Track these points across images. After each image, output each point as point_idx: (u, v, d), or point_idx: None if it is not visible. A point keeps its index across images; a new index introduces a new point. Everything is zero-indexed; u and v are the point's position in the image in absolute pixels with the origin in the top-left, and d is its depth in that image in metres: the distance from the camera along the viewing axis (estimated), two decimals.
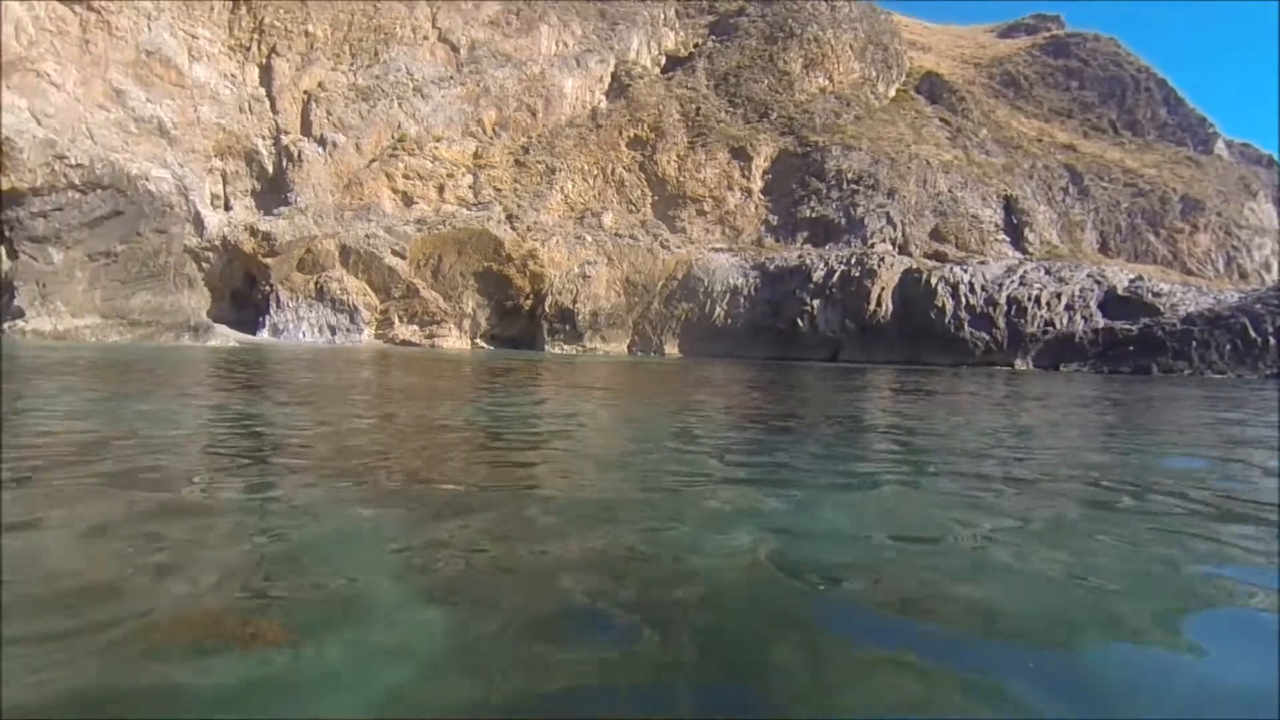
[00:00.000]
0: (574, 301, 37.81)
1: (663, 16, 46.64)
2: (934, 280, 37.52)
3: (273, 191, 32.78)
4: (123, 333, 27.05)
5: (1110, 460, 6.65)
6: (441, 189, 37.00)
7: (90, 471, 4.58)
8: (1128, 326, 36.01)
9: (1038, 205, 45.24)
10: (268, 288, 32.22)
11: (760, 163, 43.17)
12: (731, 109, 44.69)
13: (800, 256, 39.58)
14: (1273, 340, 33.27)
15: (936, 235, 41.86)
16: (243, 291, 32.88)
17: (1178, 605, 2.89)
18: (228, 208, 32.14)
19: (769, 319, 38.15)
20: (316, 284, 33.34)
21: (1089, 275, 38.81)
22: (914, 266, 38.55)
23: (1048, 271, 39.02)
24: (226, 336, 29.57)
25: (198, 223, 30.38)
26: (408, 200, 36.01)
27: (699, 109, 43.56)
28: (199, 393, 10.31)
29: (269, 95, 32.62)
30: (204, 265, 30.69)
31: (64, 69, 27.23)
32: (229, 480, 4.46)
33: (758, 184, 42.85)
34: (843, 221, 41.58)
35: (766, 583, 3.01)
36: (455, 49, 37.63)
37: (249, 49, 32.01)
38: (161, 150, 29.15)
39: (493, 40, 38.60)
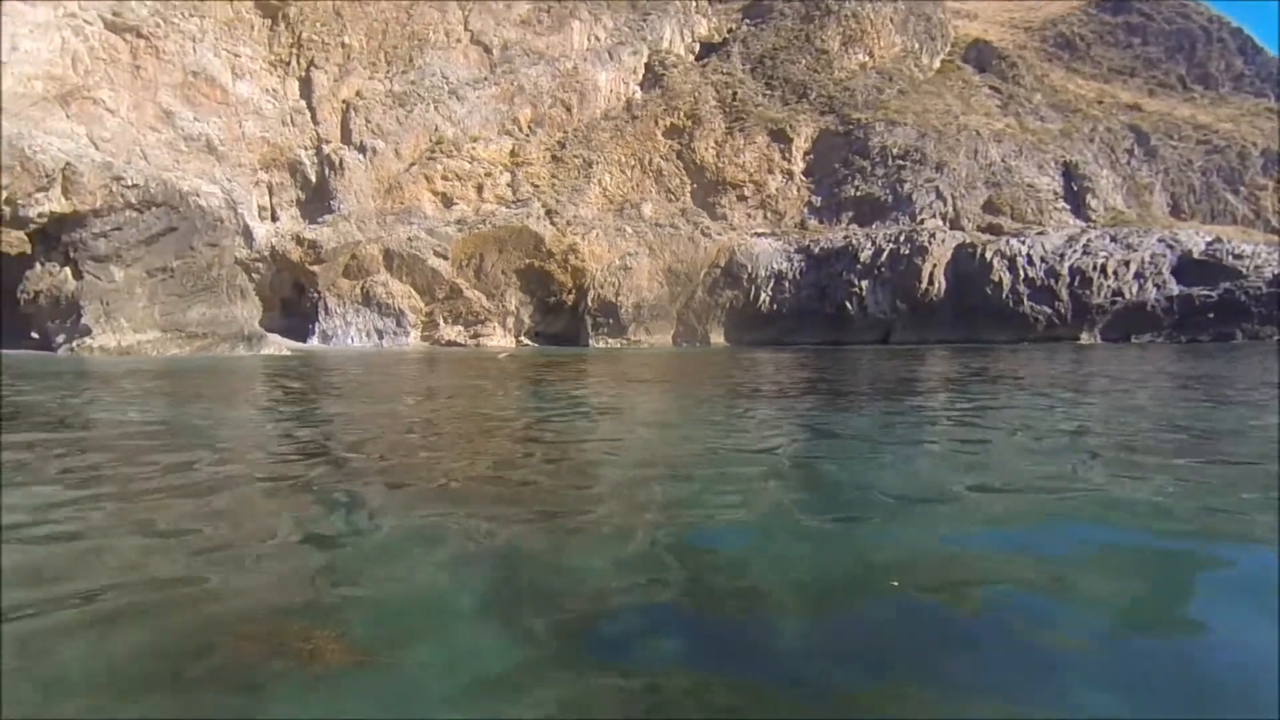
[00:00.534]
0: (616, 294, 37.55)
1: (695, 4, 45.99)
2: (989, 254, 35.85)
3: (317, 200, 33.59)
4: (181, 345, 28.05)
5: None
6: (480, 189, 37.28)
7: (154, 474, 4.53)
8: (1206, 292, 33.64)
9: (1100, 170, 42.77)
10: (316, 295, 33.04)
11: (801, 144, 42.08)
12: (769, 92, 43.71)
13: (846, 237, 38.40)
14: None
15: (990, 208, 40.00)
16: (292, 300, 33.80)
17: None
18: (274, 219, 33.09)
19: (816, 303, 37.13)
20: (362, 289, 34.02)
21: (1160, 240, 36.42)
22: (967, 241, 36.93)
23: (1114, 239, 36.79)
24: (279, 345, 30.41)
25: (247, 235, 31.35)
26: (447, 201, 36.41)
27: (735, 94, 42.75)
28: (259, 399, 10.42)
29: (309, 107, 33.45)
30: (254, 276, 31.65)
31: (118, 95, 28.43)
32: (289, 487, 4.39)
33: (799, 166, 41.77)
34: (889, 199, 40.15)
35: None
36: (488, 50, 37.86)
37: (288, 63, 32.88)
38: (210, 166, 30.18)
39: (525, 39, 38.69)
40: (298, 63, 32.91)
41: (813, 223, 40.42)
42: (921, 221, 38.95)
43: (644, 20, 42.55)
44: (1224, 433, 6.84)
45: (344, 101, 33.92)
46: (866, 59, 44.95)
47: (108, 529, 3.51)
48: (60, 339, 26.85)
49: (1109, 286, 34.67)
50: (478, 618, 2.42)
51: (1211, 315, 33.05)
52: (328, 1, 33.19)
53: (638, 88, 41.92)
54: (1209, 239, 36.07)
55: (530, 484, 4.59)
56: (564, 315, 37.83)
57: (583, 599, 2.59)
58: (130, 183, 27.46)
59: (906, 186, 40.05)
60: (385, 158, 34.93)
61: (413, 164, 35.73)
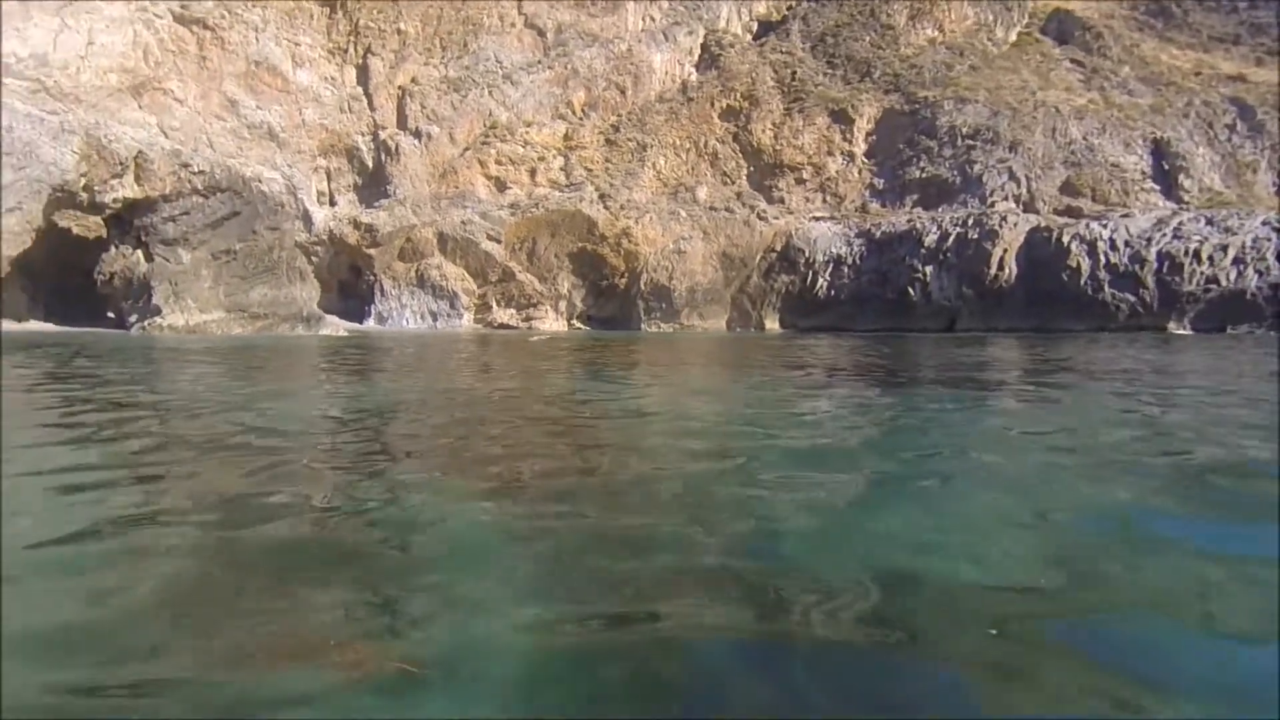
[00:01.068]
0: (669, 278, 37.01)
1: None
2: (1066, 238, 33.56)
3: (373, 185, 34.22)
4: (244, 325, 29.03)
5: None
6: (533, 172, 37.27)
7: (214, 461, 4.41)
8: None
9: (1195, 147, 39.44)
10: (372, 277, 33.72)
11: (863, 125, 40.40)
12: (830, 70, 42.10)
13: (910, 221, 36.67)
14: None
15: (1069, 189, 37.46)
16: (349, 282, 34.61)
17: None
18: (332, 203, 33.88)
19: (876, 288, 35.63)
20: (417, 272, 34.53)
21: (1265, 223, 33.28)
22: (1042, 225, 34.68)
23: (1209, 221, 33.84)
24: (336, 326, 31.13)
25: (306, 219, 32.18)
26: (501, 186, 36.54)
27: (794, 73, 41.35)
28: (322, 378, 10.41)
29: (366, 93, 34.05)
30: (313, 259, 32.49)
31: (185, 85, 29.51)
32: (336, 476, 4.12)
33: (860, 147, 40.13)
34: (957, 181, 38.12)
35: None
36: (542, 33, 37.71)
37: (346, 51, 33.53)
38: (271, 153, 31.07)
39: (579, 21, 38.37)
40: (355, 50, 33.54)
41: (874, 206, 38.79)
42: (992, 204, 36.83)
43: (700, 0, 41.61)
44: None
45: (400, 88, 34.38)
46: (935, 34, 42.74)
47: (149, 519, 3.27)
48: (133, 318, 28.17)
49: (1202, 273, 31.92)
50: (538, 636, 2.18)
51: None
52: None
53: (693, 69, 41.06)
54: None
55: (589, 477, 4.18)
56: (616, 299, 37.52)
57: (646, 630, 2.24)
58: (197, 169, 28.51)
59: (976, 168, 37.93)
60: (440, 143, 35.27)
61: (467, 149, 35.97)
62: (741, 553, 2.82)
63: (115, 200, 27.26)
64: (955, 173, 38.18)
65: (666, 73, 40.48)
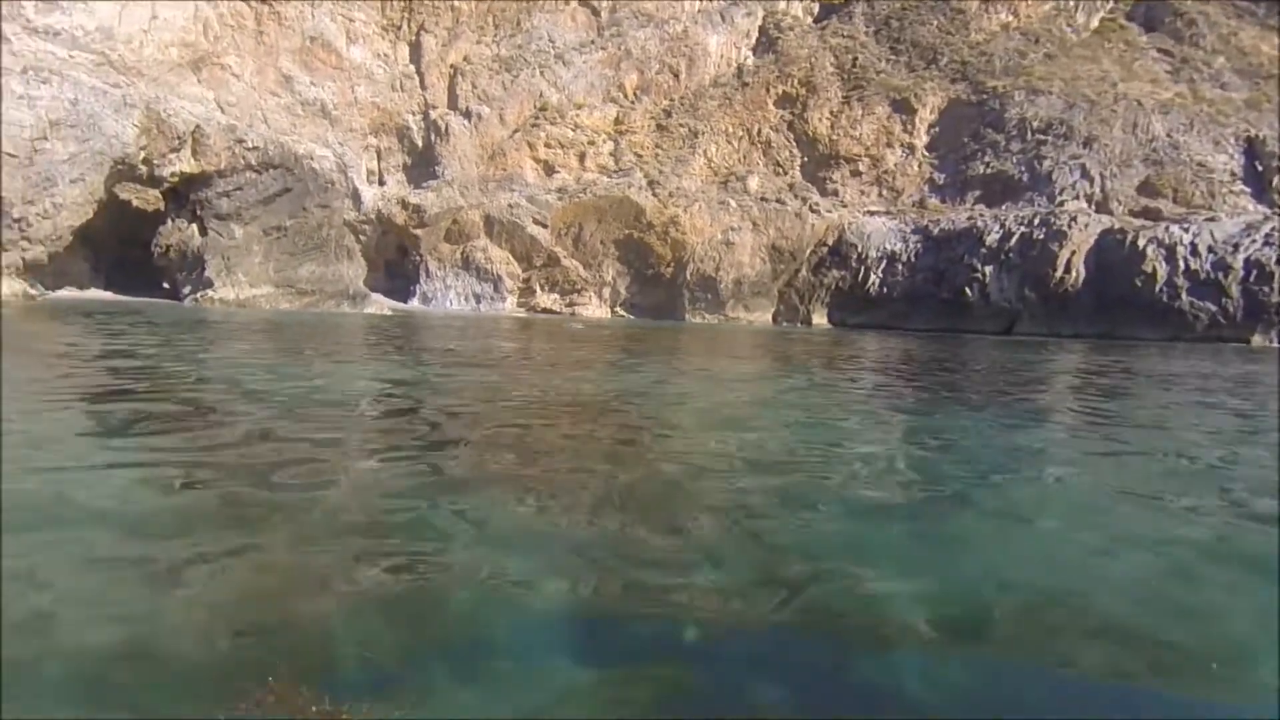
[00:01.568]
0: (716, 269, 36.19)
1: None
2: (1142, 242, 31.57)
3: (422, 165, 34.19)
4: (291, 300, 29.39)
5: None
6: (582, 157, 36.75)
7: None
8: None
9: None
10: (418, 258, 33.80)
11: (926, 115, 38.61)
12: (894, 57, 40.30)
13: (970, 218, 35.00)
14: None
15: (1148, 189, 35.15)
16: (395, 261, 34.78)
17: None
18: (381, 183, 33.99)
19: (931, 287, 34.20)
20: (463, 253, 34.48)
21: None
22: (1115, 227, 32.69)
23: None
24: (381, 304, 31.31)
25: (355, 198, 32.36)
26: (549, 169, 36.14)
27: (856, 59, 39.71)
28: (370, 357, 10.28)
29: (418, 72, 33.91)
30: (361, 237, 32.70)
31: (243, 60, 29.81)
32: (365, 477, 4.00)
33: (922, 139, 38.40)
34: (1025, 177, 36.16)
35: None
36: (596, 12, 36.96)
37: (400, 28, 33.41)
38: (324, 130, 31.25)
39: (633, 0, 37.47)
40: (408, 26, 33.39)
41: (933, 201, 37.14)
42: (1061, 203, 34.86)
43: None
44: None
45: (451, 66, 34.15)
46: (1010, 18, 40.47)
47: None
48: (186, 290, 28.79)
49: None
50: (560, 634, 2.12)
51: None
52: None
53: (750, 52, 39.80)
54: None
55: (630, 480, 3.97)
56: (661, 288, 36.88)
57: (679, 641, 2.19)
58: (251, 145, 28.83)
59: (1046, 164, 35.91)
60: (490, 124, 35.00)
61: (516, 131, 35.63)
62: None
63: (173, 174, 27.76)
64: (1022, 169, 36.24)
65: (722, 56, 39.34)
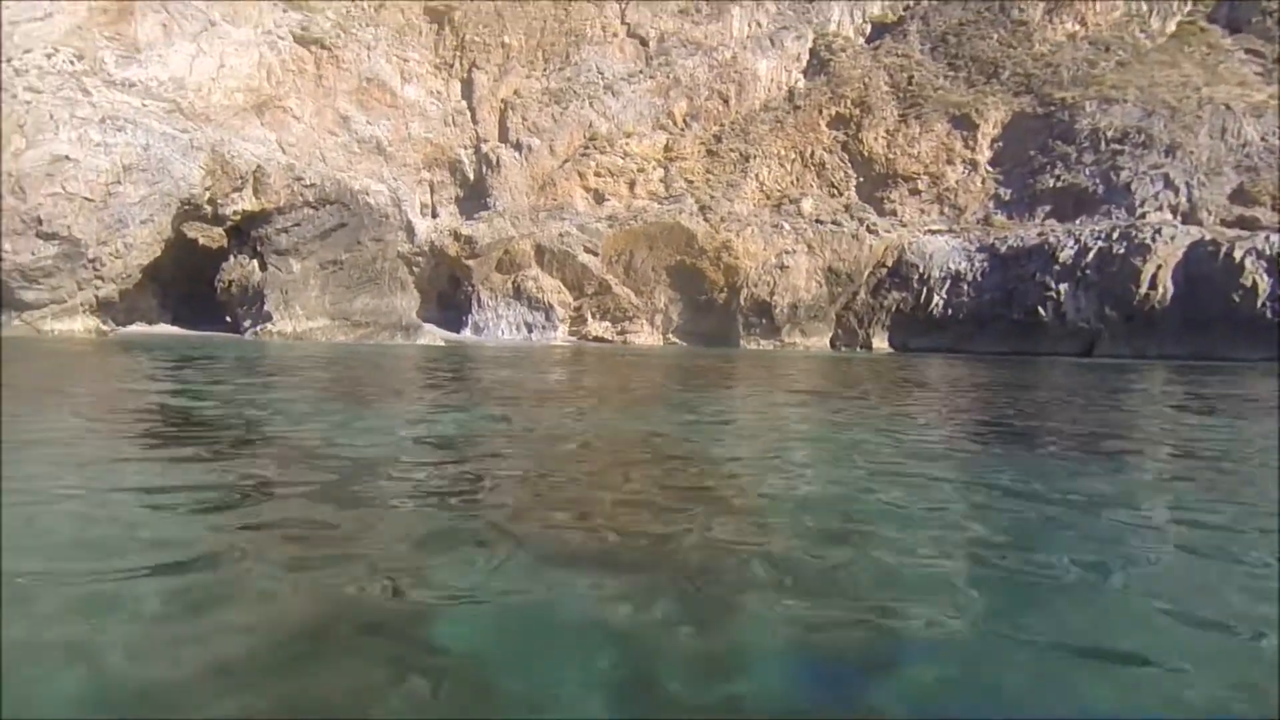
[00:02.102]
0: (771, 294, 35.21)
1: None
2: (1239, 253, 29.18)
3: (474, 197, 34.61)
4: (347, 333, 29.81)
5: None
6: (632, 184, 36.59)
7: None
8: None
9: None
10: (470, 288, 34.01)
11: (988, 130, 37.11)
12: (952, 73, 39.05)
13: (1041, 234, 33.15)
14: None
15: (1241, 197, 32.68)
16: (448, 292, 35.09)
17: None
18: (434, 215, 34.51)
19: (1000, 308, 32.39)
20: (514, 283, 34.54)
21: None
22: (1206, 238, 30.36)
23: None
24: (434, 335, 31.46)
25: (409, 230, 32.88)
26: (599, 198, 36.08)
27: (911, 77, 38.61)
28: (419, 395, 9.83)
29: (470, 107, 34.55)
30: (414, 269, 33.13)
31: (303, 103, 30.86)
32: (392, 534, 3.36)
33: (984, 155, 36.85)
34: (1099, 190, 34.16)
35: None
36: (644, 43, 37.10)
37: (452, 65, 34.19)
38: (379, 166, 31.98)
39: (682, 29, 37.49)
40: (460, 64, 34.14)
41: (999, 218, 35.42)
42: (1142, 215, 32.69)
43: (810, 2, 39.73)
44: None
45: (502, 100, 34.67)
46: (1077, 27, 38.78)
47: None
48: (247, 324, 29.51)
49: None
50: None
51: None
52: (490, 2, 34.11)
53: (800, 75, 39.20)
54: None
55: (683, 539, 3.41)
56: (714, 314, 36.08)
57: None
58: (309, 182, 29.64)
59: (1124, 175, 33.86)
60: (540, 155, 35.27)
61: (566, 160, 35.79)
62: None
63: (235, 212, 28.70)
64: (1097, 181, 34.26)
65: (772, 80, 38.85)
